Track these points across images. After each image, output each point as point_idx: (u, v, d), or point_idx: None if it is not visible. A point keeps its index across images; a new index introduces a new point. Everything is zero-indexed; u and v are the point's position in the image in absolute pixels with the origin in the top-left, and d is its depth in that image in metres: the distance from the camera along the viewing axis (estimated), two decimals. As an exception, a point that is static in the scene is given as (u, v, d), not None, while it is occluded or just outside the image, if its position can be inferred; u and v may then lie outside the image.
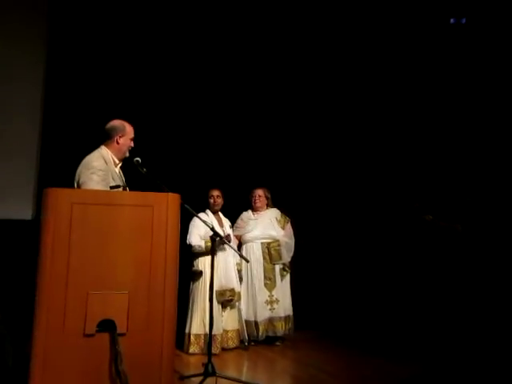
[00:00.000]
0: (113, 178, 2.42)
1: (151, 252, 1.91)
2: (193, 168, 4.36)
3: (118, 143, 2.53)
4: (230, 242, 3.58)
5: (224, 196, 3.88)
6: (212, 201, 3.91)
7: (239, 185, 4.42)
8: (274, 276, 3.98)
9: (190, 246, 3.74)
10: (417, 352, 3.43)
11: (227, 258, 3.72)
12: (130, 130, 2.56)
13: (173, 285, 1.94)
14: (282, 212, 4.19)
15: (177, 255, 1.97)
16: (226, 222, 3.89)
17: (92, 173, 2.31)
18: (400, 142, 4.33)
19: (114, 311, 1.87)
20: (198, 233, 3.66)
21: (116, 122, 2.55)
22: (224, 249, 3.67)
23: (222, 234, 3.63)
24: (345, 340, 4.04)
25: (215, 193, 3.91)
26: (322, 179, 4.75)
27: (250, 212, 4.20)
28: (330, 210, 4.87)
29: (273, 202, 4.23)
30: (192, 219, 3.70)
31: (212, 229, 2.60)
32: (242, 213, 4.19)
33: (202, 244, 3.70)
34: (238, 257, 3.72)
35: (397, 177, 4.42)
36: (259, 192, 4.18)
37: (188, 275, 3.66)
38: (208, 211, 3.95)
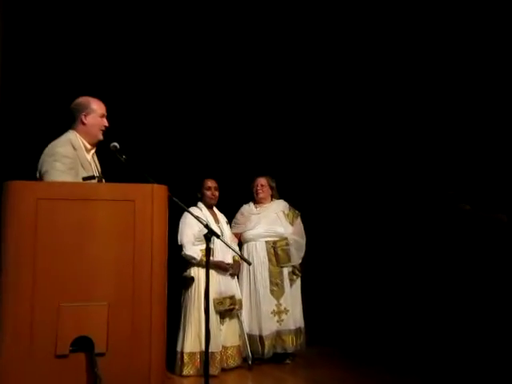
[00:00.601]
0: (83, 167, 2.40)
1: (134, 255, 1.91)
2: (182, 155, 4.45)
3: (83, 123, 2.48)
4: (235, 274, 3.72)
5: (219, 188, 3.93)
6: (209, 193, 3.94)
7: (237, 173, 4.47)
8: (282, 281, 4.00)
9: (181, 247, 3.76)
10: (449, 373, 3.46)
11: (225, 259, 3.76)
12: (97, 106, 2.51)
13: (161, 294, 1.95)
14: (290, 205, 4.24)
15: (165, 258, 1.99)
16: (223, 218, 3.93)
17: (55, 160, 2.27)
18: (429, 121, 4.43)
19: (91, 327, 1.86)
20: (192, 231, 3.68)
21: (79, 99, 2.51)
22: (221, 249, 3.72)
23: (218, 231, 3.67)
24: (366, 357, 4.05)
25: (213, 184, 3.99)
26: (338, 165, 4.84)
27: (251, 205, 4.25)
28: (348, 201, 4.89)
29: (279, 193, 4.27)
30: (183, 215, 3.72)
31: (206, 226, 2.60)
32: (241, 206, 4.25)
33: (197, 255, 3.72)
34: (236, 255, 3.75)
35: (426, 161, 4.46)
36: (262, 181, 4.22)
37: (179, 281, 3.70)
38: (201, 205, 3.96)
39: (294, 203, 4.33)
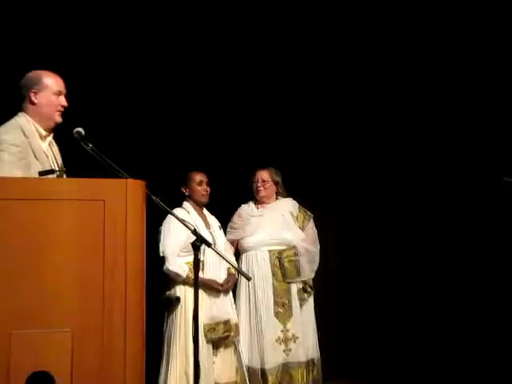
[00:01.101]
0: (37, 158, 2.38)
1: (104, 269, 1.92)
2: (164, 144, 4.56)
3: (33, 103, 2.46)
4: (228, 291, 3.75)
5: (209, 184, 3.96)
6: (202, 189, 3.94)
7: (232, 166, 4.55)
8: (290, 301, 4.02)
9: (164, 259, 3.76)
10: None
11: (218, 275, 3.78)
12: (50, 81, 2.47)
13: (138, 318, 1.96)
14: (300, 204, 4.28)
15: (143, 273, 2.01)
16: (215, 222, 3.97)
17: (0, 150, 2.25)
18: (477, 102, 4.64)
19: (51, 359, 1.85)
20: (177, 240, 3.69)
21: (29, 73, 2.48)
22: (213, 261, 3.74)
23: (209, 238, 3.68)
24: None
25: (204, 178, 3.99)
26: (361, 152, 5.05)
27: (251, 205, 4.30)
28: (375, 198, 4.98)
29: (286, 190, 4.32)
30: (165, 219, 3.74)
31: (195, 232, 2.62)
32: (238, 207, 4.30)
33: (183, 271, 3.69)
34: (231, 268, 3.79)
35: (473, 145, 4.60)
36: (263, 175, 4.25)
37: (161, 303, 3.73)
38: (188, 205, 3.96)
39: (304, 202, 4.37)
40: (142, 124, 4.55)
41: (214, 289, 3.74)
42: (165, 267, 3.74)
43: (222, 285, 3.76)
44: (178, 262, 3.74)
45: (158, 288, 3.70)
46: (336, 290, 4.84)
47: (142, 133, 4.52)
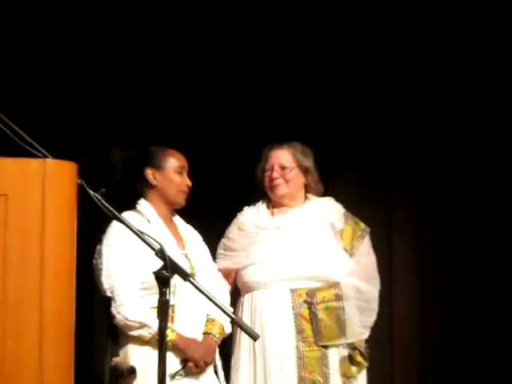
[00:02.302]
0: None
1: (7, 302, 2.06)
2: (110, 113, 5.10)
3: None
4: (208, 364, 3.86)
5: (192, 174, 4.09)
6: (181, 181, 3.99)
7: (223, 146, 4.88)
8: (327, 377, 4.06)
9: (110, 300, 3.75)
10: None
11: (196, 331, 3.89)
12: None
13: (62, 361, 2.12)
14: (346, 212, 4.38)
15: (71, 315, 2.16)
16: (192, 237, 4.10)
17: None
18: None
19: None
20: (133, 268, 3.77)
21: None
22: (189, 306, 3.84)
23: (185, 265, 3.62)
24: None
25: (186, 164, 4.05)
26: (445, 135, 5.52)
27: (261, 210, 4.38)
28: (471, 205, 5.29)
29: (325, 186, 4.41)
30: (108, 230, 3.86)
31: (161, 254, 2.67)
32: (239, 211, 4.41)
33: (152, 322, 3.62)
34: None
35: None
36: (282, 157, 4.32)
37: (103, 374, 3.78)
38: (147, 206, 3.98)
39: (356, 205, 4.47)
40: (77, 79, 5.12)
41: (192, 358, 3.77)
42: (118, 317, 3.72)
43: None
44: (140, 306, 3.72)
45: (98, 347, 3.83)
46: (409, 358, 5.02)
47: (77, 93, 4.98)
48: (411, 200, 5.46)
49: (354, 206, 4.63)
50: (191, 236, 4.05)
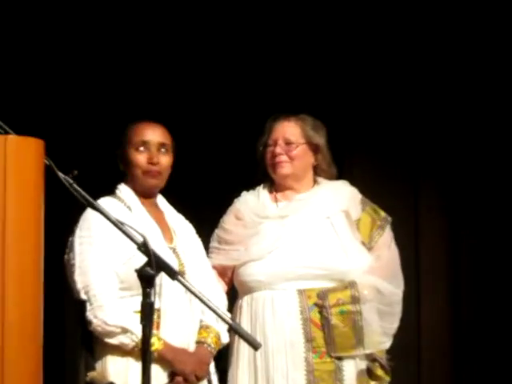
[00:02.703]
0: None
1: None
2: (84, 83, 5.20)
3: None
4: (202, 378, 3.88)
5: (177, 151, 4.15)
6: (143, 159, 3.97)
7: (220, 115, 5.00)
8: None
9: (84, 304, 3.78)
10: None
11: (186, 338, 3.93)
12: None
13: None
14: (364, 198, 4.45)
15: (38, 328, 2.21)
16: (182, 227, 4.16)
17: None
18: None
19: None
20: (111, 264, 3.80)
21: None
22: (177, 309, 3.89)
23: (173, 262, 3.66)
24: None
25: (154, 135, 4.04)
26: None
27: (262, 195, 4.44)
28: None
29: (339, 166, 4.44)
30: (81, 220, 3.91)
31: (144, 247, 2.71)
32: (236, 198, 4.48)
33: (136, 331, 3.67)
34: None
35: None
36: (288, 130, 4.37)
37: None
38: (126, 191, 4.03)
39: (376, 192, 4.48)
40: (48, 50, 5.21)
41: (181, 371, 3.79)
42: (94, 321, 3.75)
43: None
44: (121, 309, 3.75)
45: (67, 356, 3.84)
46: (438, 371, 5.07)
47: (48, 64, 5.15)
48: (440, 186, 5.50)
49: (374, 192, 4.65)
50: (181, 227, 4.07)
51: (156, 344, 3.66)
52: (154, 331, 3.55)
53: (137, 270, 2.69)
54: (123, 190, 3.96)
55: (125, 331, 3.69)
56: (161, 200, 4.07)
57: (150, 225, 3.87)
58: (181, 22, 5.72)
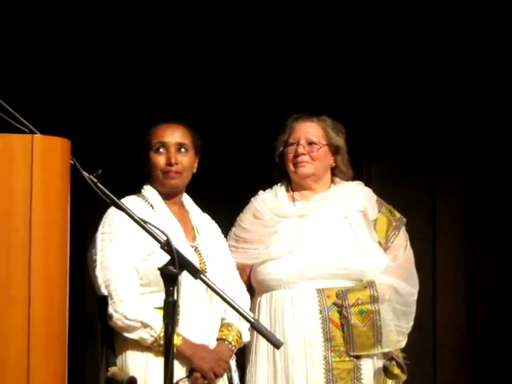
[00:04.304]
0: None
1: None
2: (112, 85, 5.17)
3: None
4: (219, 376, 3.88)
5: (202, 152, 4.16)
6: (161, 162, 3.97)
7: (242, 116, 4.99)
8: None
9: (106, 299, 3.77)
10: None
11: (206, 335, 3.94)
12: None
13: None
14: (379, 198, 4.44)
15: (64, 323, 2.22)
16: (206, 227, 4.16)
17: None
18: None
19: None
20: (133, 261, 3.80)
21: None
22: (198, 306, 3.90)
23: (194, 260, 3.70)
24: None
25: (173, 137, 4.04)
26: None
27: (280, 194, 4.42)
28: None
29: (357, 166, 4.46)
30: (104, 217, 3.92)
31: (167, 246, 2.69)
32: (253, 197, 4.47)
33: (157, 323, 3.69)
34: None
35: None
36: (310, 130, 4.35)
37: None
38: (151, 191, 4.04)
39: (392, 190, 4.53)
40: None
41: (200, 368, 3.79)
42: (115, 316, 3.74)
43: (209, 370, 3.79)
44: (141, 303, 3.74)
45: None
46: (454, 371, 5.08)
47: (74, 65, 5.20)
48: (459, 185, 5.49)
49: (391, 191, 4.71)
50: (206, 227, 4.08)
51: (175, 340, 3.62)
52: (177, 331, 3.58)
53: (160, 269, 2.68)
54: (147, 189, 3.98)
55: (145, 326, 3.70)
56: (186, 199, 4.06)
57: (171, 223, 3.88)
58: (201, 26, 5.70)
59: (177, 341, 3.64)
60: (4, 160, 2.14)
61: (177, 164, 3.90)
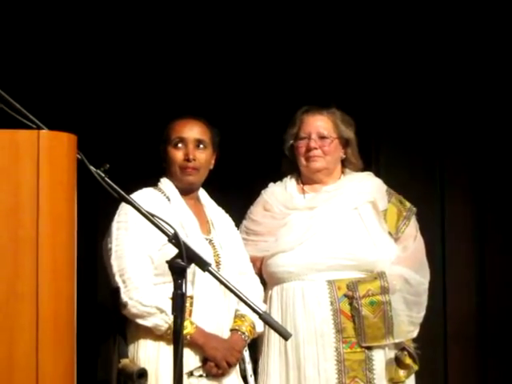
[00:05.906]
0: None
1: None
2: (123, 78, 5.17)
3: None
4: (232, 365, 3.87)
5: (219, 147, 4.18)
6: (179, 158, 3.96)
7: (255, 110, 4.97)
8: (372, 382, 4.12)
9: (121, 289, 3.77)
10: None
11: (220, 326, 3.94)
12: None
13: None
14: (389, 189, 4.43)
15: (72, 317, 2.24)
16: (221, 221, 4.18)
17: None
18: None
19: None
20: (144, 250, 3.83)
21: None
22: (210, 298, 3.89)
23: (208, 253, 3.74)
24: None
25: (192, 132, 4.04)
26: None
27: (290, 186, 4.42)
28: None
29: (366, 157, 4.43)
30: (119, 211, 3.93)
31: (175, 239, 2.71)
32: (263, 189, 4.47)
33: (166, 306, 3.63)
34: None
35: None
36: (321, 124, 4.34)
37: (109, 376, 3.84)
38: (168, 184, 4.05)
39: (400, 181, 4.53)
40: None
41: (213, 357, 3.78)
42: (130, 303, 3.74)
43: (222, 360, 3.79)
44: (156, 290, 3.75)
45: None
46: (465, 361, 5.09)
47: (80, 60, 5.19)
48: (468, 176, 5.47)
49: (400, 182, 4.71)
50: (220, 220, 4.09)
51: (188, 327, 3.68)
52: (187, 317, 3.59)
53: (168, 262, 2.69)
54: (164, 182, 4.00)
55: (161, 311, 3.70)
56: (202, 193, 4.08)
57: (187, 215, 3.90)
58: (209, 20, 5.71)
59: (190, 329, 3.69)
60: (11, 156, 2.16)
61: (194, 160, 3.91)
